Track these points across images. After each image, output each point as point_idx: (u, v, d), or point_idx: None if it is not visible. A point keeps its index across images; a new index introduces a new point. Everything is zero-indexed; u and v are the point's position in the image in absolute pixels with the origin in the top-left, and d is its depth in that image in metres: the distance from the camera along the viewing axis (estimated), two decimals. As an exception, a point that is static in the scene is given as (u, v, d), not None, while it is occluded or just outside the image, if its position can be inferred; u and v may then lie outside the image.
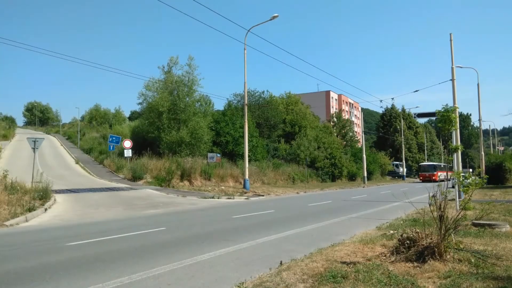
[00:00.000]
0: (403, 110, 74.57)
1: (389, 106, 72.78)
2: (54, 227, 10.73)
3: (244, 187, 25.09)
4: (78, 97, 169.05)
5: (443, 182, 6.17)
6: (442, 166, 52.43)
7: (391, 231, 8.20)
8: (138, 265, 5.91)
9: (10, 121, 72.95)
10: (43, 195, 14.67)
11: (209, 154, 26.31)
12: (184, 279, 5.23)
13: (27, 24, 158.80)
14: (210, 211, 14.95)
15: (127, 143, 29.77)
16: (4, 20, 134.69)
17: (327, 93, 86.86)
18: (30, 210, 12.51)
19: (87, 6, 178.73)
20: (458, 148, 6.53)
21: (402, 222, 9.89)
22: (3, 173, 14.97)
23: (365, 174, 43.56)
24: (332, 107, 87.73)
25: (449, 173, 41.33)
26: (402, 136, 63.00)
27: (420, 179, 49.65)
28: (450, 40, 14.88)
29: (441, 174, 48.55)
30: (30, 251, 7.36)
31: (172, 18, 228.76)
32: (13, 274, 5.59)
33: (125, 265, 6.01)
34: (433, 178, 46.96)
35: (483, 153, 35.79)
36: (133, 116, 71.58)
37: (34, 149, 17.02)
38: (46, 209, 13.58)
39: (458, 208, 10.02)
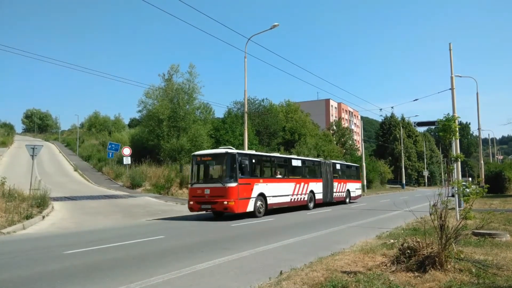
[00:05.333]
0: (403, 118, 74.80)
1: (389, 115, 73.14)
2: (51, 235, 10.65)
3: (243, 195, 24.59)
4: (77, 104, 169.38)
5: (443, 191, 6.05)
6: (309, 165, 20.89)
7: (392, 240, 8.14)
8: (136, 274, 5.85)
9: (9, 128, 72.90)
10: (41, 203, 14.59)
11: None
12: (182, 288, 5.17)
13: (27, 31, 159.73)
14: (209, 219, 14.86)
15: (126, 151, 29.76)
16: (3, 27, 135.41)
17: (327, 101, 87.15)
18: (27, 217, 12.44)
19: (86, 14, 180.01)
20: (459, 158, 6.52)
21: (402, 231, 9.83)
22: (1, 180, 14.92)
23: (365, 183, 43.46)
24: (332, 115, 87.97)
25: (354, 184, 28.21)
26: (402, 145, 63.03)
27: (189, 206, 14.67)
28: (450, 49, 14.94)
29: (306, 189, 19.03)
30: (27, 259, 7.29)
31: (173, 26, 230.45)
32: (9, 282, 5.52)
33: (123, 274, 5.95)
34: (224, 204, 13.83)
35: (482, 162, 35.72)
36: (133, 123, 71.63)
37: (32, 156, 16.97)
38: (43, 217, 13.51)
39: (458, 217, 9.98)
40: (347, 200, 23.79)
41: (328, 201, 21.52)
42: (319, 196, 20.30)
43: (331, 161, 23.46)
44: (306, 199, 19.00)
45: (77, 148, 50.28)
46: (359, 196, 26.61)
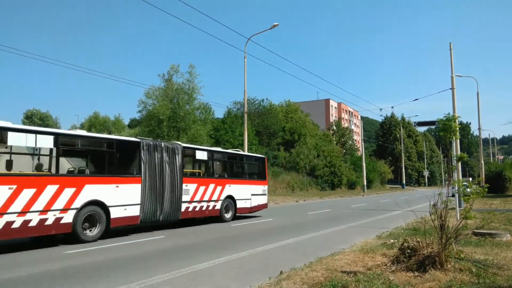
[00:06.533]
0: (403, 118, 74.90)
1: (389, 115, 73.17)
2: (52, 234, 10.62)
3: (244, 195, 24.08)
4: (77, 104, 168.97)
5: (444, 191, 6.06)
6: None
7: (392, 240, 8.14)
8: (135, 274, 5.85)
9: (9, 128, 72.78)
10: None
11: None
12: (182, 288, 5.17)
13: (27, 31, 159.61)
14: (208, 219, 14.84)
15: (127, 151, 29.64)
16: (3, 27, 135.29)
17: (327, 101, 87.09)
18: (28, 217, 12.38)
19: (87, 14, 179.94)
20: (463, 158, 6.52)
21: (402, 231, 9.83)
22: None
23: (365, 183, 43.49)
24: (332, 115, 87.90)
25: (249, 187, 17.12)
26: (402, 145, 63.04)
27: None
28: (450, 49, 14.98)
29: (72, 198, 8.67)
30: (27, 259, 7.29)
31: (173, 26, 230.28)
32: (9, 282, 5.52)
33: (123, 274, 5.95)
34: None
35: (482, 162, 35.75)
36: (133, 123, 71.63)
37: (33, 156, 16.91)
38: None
39: (458, 217, 9.98)
40: (228, 214, 13.94)
41: (164, 219, 11.24)
42: (127, 211, 10.15)
43: (178, 144, 12.14)
44: (70, 220, 8.71)
45: (77, 148, 50.22)
46: (263, 206, 16.11)
